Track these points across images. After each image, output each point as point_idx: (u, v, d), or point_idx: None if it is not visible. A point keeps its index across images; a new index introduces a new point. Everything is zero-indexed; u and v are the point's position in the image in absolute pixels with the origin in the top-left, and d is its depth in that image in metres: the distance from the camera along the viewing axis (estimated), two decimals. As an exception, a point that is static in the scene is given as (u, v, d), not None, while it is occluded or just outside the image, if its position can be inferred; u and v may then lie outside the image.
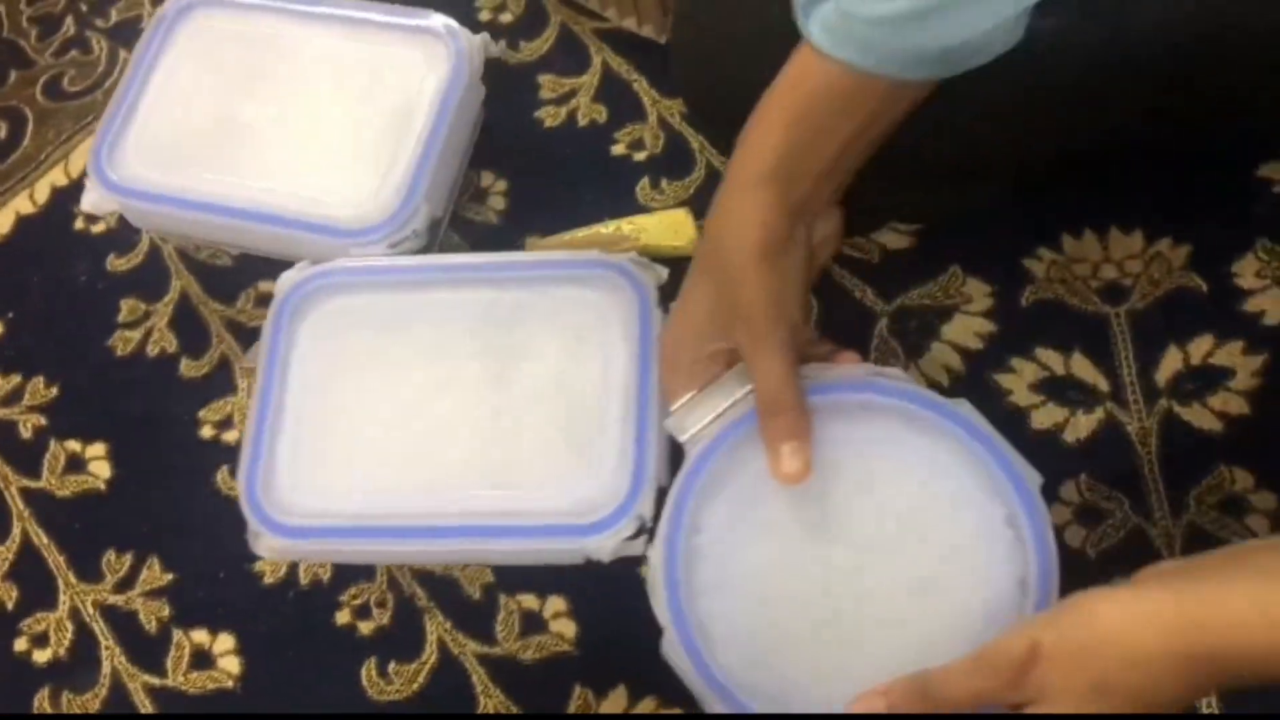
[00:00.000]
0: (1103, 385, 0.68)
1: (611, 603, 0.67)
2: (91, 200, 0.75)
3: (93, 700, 0.71)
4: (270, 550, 0.63)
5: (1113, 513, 0.65)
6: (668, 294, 0.65)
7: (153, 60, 0.79)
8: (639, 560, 0.62)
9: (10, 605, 0.75)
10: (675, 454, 0.62)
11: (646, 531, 0.59)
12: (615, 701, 0.66)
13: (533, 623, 0.69)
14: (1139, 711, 0.45)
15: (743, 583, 0.54)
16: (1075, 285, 0.71)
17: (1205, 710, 0.60)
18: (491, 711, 0.67)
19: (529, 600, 0.69)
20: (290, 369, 0.68)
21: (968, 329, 0.71)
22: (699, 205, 0.77)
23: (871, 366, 0.57)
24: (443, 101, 0.74)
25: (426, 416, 0.66)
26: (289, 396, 0.67)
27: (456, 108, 0.74)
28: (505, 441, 0.64)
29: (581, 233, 0.76)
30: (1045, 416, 0.68)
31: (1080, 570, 0.64)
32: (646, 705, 0.65)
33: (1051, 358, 0.69)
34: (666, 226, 0.75)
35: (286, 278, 0.70)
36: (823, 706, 0.51)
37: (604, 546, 0.60)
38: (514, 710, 0.66)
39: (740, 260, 0.54)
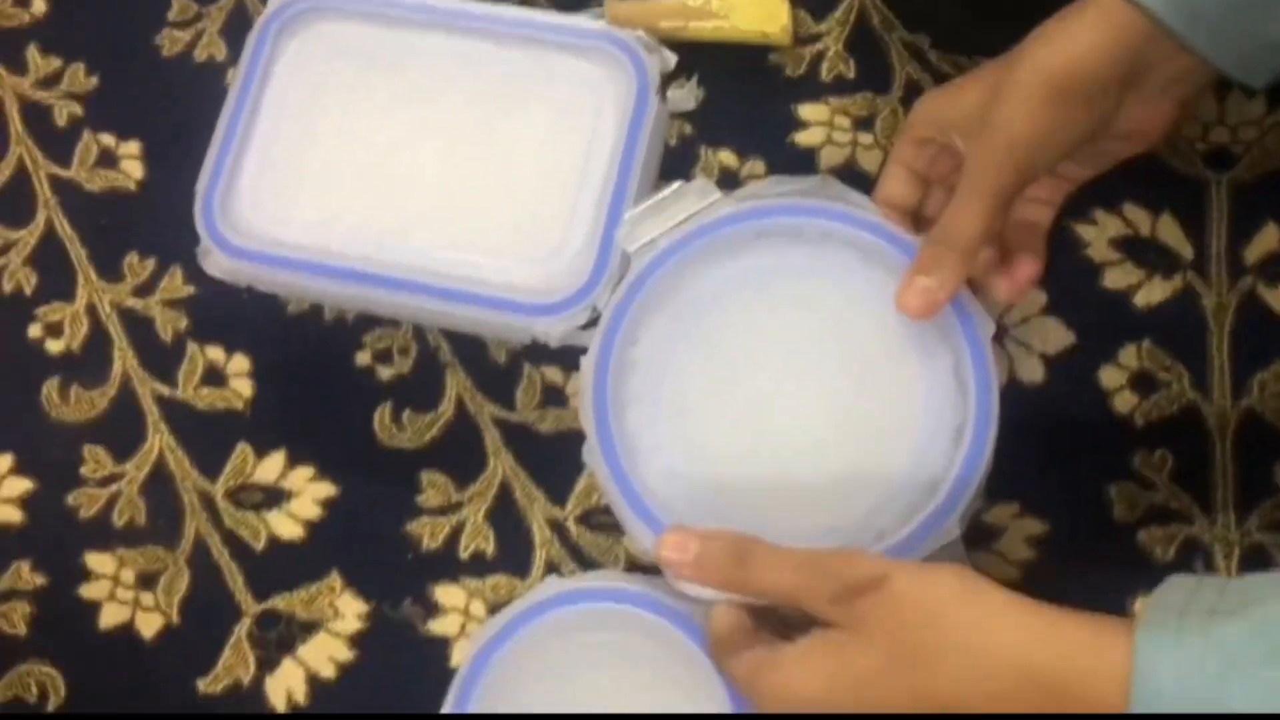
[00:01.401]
0: (1187, 253, 0.64)
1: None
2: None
3: (100, 398, 0.70)
4: (218, 268, 0.61)
5: (1169, 385, 0.63)
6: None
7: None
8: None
9: (29, 290, 0.73)
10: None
11: (599, 323, 0.57)
12: (625, 486, 0.64)
13: (554, 395, 0.67)
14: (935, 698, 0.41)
15: (672, 397, 0.54)
16: (1180, 144, 0.66)
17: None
18: (502, 473, 0.66)
19: (553, 373, 0.67)
20: (268, 89, 0.64)
21: (1057, 171, 0.67)
22: (798, -8, 0.71)
23: (841, 187, 0.56)
24: None
25: (399, 162, 0.62)
26: (262, 117, 0.63)
27: None
28: (474, 203, 0.61)
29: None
30: (1120, 276, 0.65)
31: (1124, 436, 0.62)
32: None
33: (1139, 216, 0.65)
34: (759, 9, 0.70)
35: None
36: (737, 526, 0.50)
37: (553, 330, 0.57)
38: (521, 474, 0.65)
39: (1029, 72, 0.47)
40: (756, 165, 0.69)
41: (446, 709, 0.53)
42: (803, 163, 0.69)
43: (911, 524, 0.49)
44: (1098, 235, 0.65)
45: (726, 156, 0.69)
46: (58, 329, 0.72)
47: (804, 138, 0.69)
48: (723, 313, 0.55)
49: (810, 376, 0.54)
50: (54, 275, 0.73)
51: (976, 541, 0.55)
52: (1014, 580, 0.61)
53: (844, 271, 0.54)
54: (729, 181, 0.69)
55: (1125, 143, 0.54)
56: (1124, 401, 0.63)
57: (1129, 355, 0.63)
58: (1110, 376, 0.63)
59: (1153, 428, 0.62)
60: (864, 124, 0.69)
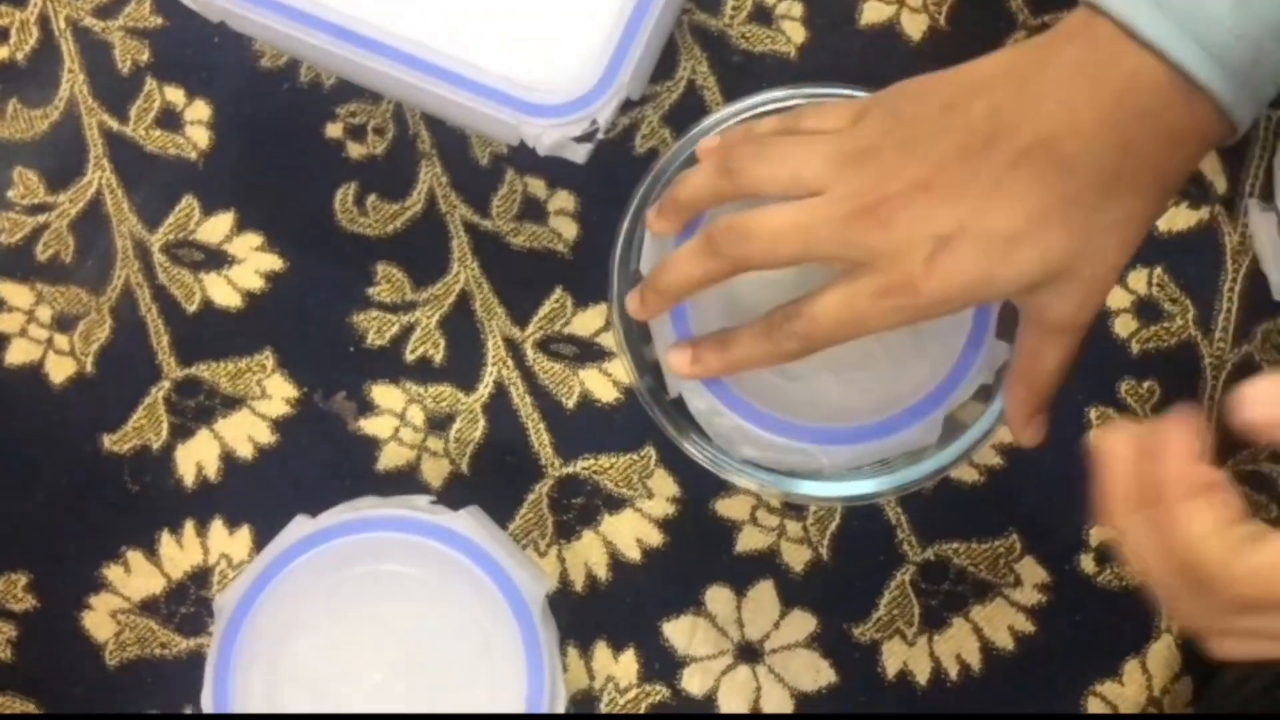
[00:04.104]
0: (1220, 186, 0.61)
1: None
2: None
3: (41, 119, 0.64)
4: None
5: (1173, 317, 0.60)
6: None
7: None
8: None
9: (-25, -14, 0.66)
10: (657, 73, 0.59)
11: (593, 140, 0.53)
12: (592, 316, 0.61)
13: (533, 209, 0.62)
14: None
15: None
16: (1238, 71, 0.62)
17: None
18: (464, 280, 0.61)
19: (537, 185, 0.63)
20: None
21: (1106, 74, 0.62)
22: None
23: None
24: None
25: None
26: None
27: None
28: None
29: None
30: (1146, 196, 0.61)
31: (1116, 360, 0.60)
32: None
33: (1179, 138, 0.62)
34: None
35: None
36: None
37: (544, 135, 0.53)
38: (484, 285, 0.61)
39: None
40: (794, 7, 0.64)
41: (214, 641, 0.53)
42: (843, 10, 0.63)
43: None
44: (1133, 149, 0.62)
45: (763, -10, 0.64)
46: (3, 34, 0.65)
47: (849, -15, 0.64)
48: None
49: None
50: (7, -25, 0.66)
51: (947, 437, 0.52)
52: (975, 482, 0.59)
53: None
54: (762, 17, 0.63)
55: None
56: (1124, 325, 0.60)
57: (1138, 279, 0.60)
58: (1116, 297, 0.60)
59: (1147, 357, 0.59)
60: (915, -17, 0.64)
